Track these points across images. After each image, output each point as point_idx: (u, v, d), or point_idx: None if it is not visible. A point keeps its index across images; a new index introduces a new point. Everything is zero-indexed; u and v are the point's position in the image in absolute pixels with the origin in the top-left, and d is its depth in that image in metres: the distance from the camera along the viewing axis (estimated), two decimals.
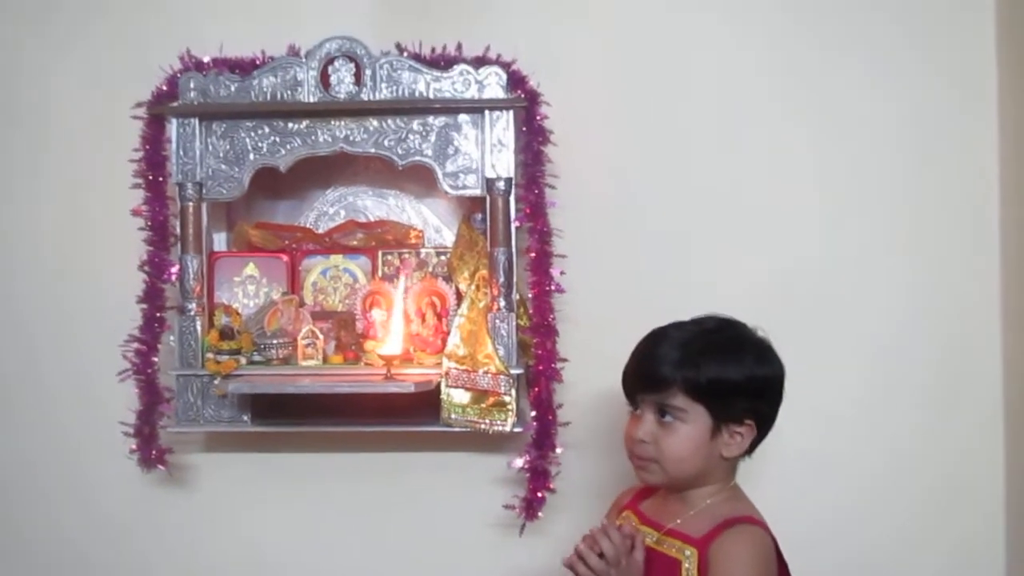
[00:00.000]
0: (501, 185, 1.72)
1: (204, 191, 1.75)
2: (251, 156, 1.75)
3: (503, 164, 1.72)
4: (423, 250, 1.86)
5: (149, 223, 1.76)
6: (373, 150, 1.74)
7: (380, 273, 1.84)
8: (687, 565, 1.30)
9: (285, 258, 1.86)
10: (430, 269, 1.85)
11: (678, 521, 1.35)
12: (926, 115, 1.82)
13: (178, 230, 1.76)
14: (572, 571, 1.30)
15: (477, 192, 1.74)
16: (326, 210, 1.93)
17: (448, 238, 1.88)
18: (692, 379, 1.31)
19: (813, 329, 1.82)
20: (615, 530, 1.30)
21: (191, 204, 1.75)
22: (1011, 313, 1.80)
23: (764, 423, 1.37)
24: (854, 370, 1.84)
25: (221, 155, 1.75)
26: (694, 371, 1.31)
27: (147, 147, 1.76)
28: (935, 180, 1.83)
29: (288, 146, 1.75)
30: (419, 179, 1.85)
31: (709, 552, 1.29)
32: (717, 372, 1.32)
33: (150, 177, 1.76)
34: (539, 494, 1.72)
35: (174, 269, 1.76)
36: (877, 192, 1.83)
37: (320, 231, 1.90)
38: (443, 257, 1.84)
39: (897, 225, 1.83)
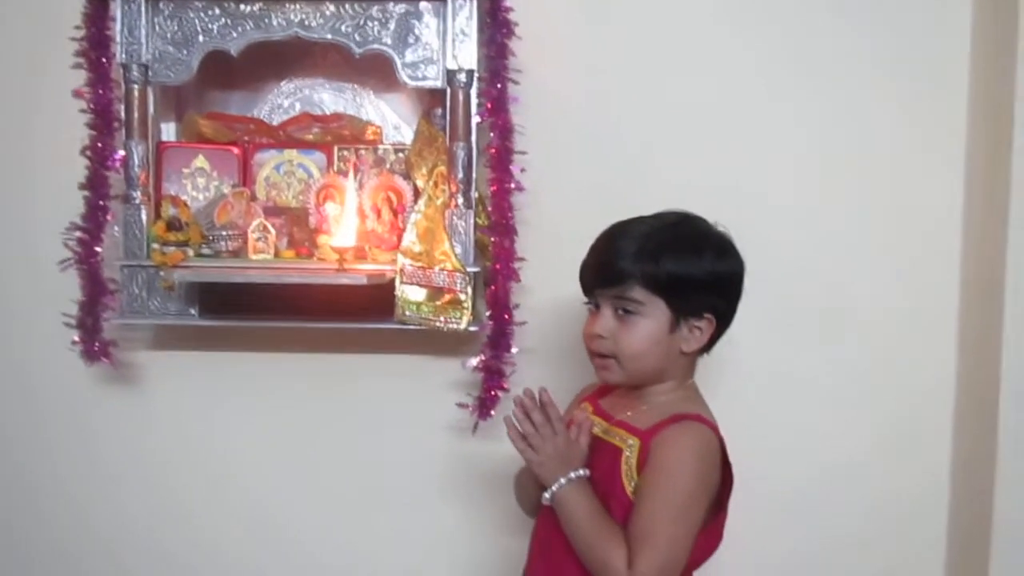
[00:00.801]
0: (462, 77, 1.66)
1: (150, 74, 1.67)
2: (200, 38, 1.67)
3: (465, 55, 1.66)
4: (381, 147, 1.81)
5: (92, 106, 1.68)
6: (329, 36, 1.67)
7: (336, 169, 1.79)
8: (627, 454, 1.29)
9: (237, 151, 1.79)
10: (387, 166, 1.79)
11: (628, 414, 1.35)
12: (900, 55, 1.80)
13: (123, 115, 1.68)
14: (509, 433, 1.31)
15: (437, 84, 1.68)
16: (280, 103, 1.86)
17: (407, 136, 1.83)
18: (651, 273, 1.29)
19: (775, 229, 1.81)
20: (553, 409, 1.30)
21: (136, 87, 1.67)
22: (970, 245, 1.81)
23: (723, 318, 1.35)
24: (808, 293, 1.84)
25: (168, 36, 1.67)
26: (653, 265, 1.29)
27: (90, 26, 1.67)
28: (907, 108, 1.80)
29: (240, 29, 1.67)
30: (378, 72, 1.78)
31: (652, 443, 1.28)
32: (676, 266, 1.30)
33: (93, 57, 1.67)
34: (493, 393, 1.70)
35: (118, 155, 1.69)
36: (848, 118, 1.80)
37: (274, 124, 1.83)
38: (401, 155, 1.79)
39: (866, 148, 1.81)
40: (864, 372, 1.84)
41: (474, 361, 1.71)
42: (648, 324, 1.31)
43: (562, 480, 1.28)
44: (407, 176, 1.76)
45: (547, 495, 1.29)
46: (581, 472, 1.29)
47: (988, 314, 1.73)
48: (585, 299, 1.38)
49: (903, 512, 1.84)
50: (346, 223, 1.65)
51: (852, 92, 1.80)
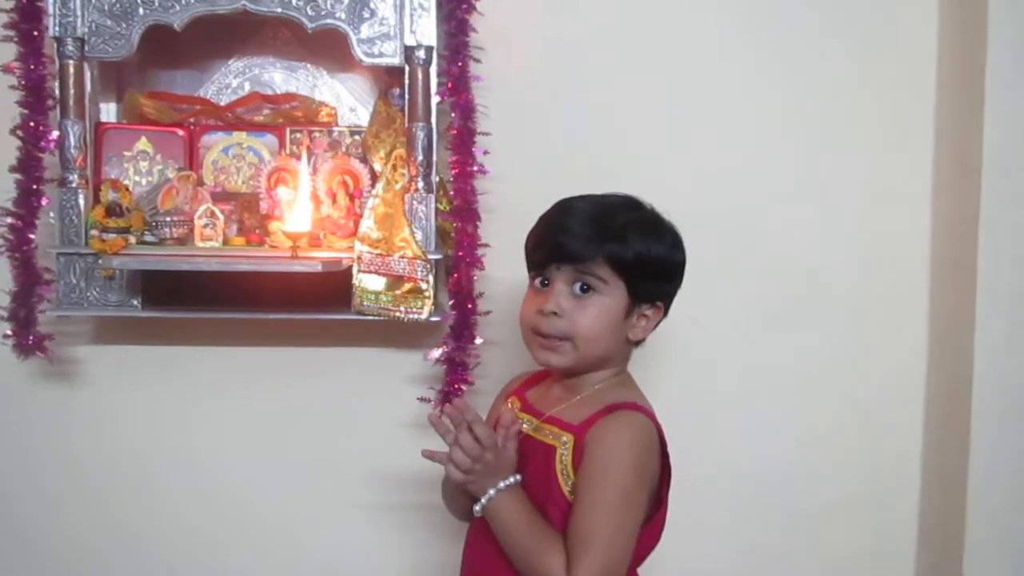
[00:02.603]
0: (421, 54, 1.58)
1: (87, 48, 1.57)
2: (141, 11, 1.56)
3: (424, 31, 1.58)
4: (336, 129, 1.72)
5: (23, 82, 1.57)
6: (279, 10, 1.58)
7: (288, 152, 1.69)
8: (562, 452, 1.22)
9: (182, 133, 1.70)
10: (343, 149, 1.71)
11: (560, 407, 1.27)
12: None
13: (57, 92, 1.58)
14: (435, 461, 1.22)
15: (395, 61, 1.60)
16: (229, 82, 1.76)
17: (363, 118, 1.75)
18: (617, 251, 1.23)
19: (744, 212, 1.77)
20: (480, 426, 1.20)
21: (71, 63, 1.56)
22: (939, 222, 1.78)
23: (667, 309, 1.31)
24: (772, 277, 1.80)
25: (106, 8, 1.56)
26: (620, 243, 1.23)
27: None
28: (875, 88, 1.77)
29: (183, 1, 1.56)
30: (333, 50, 1.69)
31: (586, 438, 1.20)
32: (643, 247, 1.24)
33: (24, 30, 1.56)
34: (456, 386, 1.62)
35: (53, 136, 1.58)
36: (818, 100, 1.77)
37: (222, 104, 1.73)
38: (357, 137, 1.71)
39: (836, 130, 1.77)
40: (833, 359, 1.81)
41: (436, 353, 1.63)
42: (608, 303, 1.24)
43: (491, 492, 1.20)
44: (364, 159, 1.67)
45: (477, 508, 1.21)
46: (511, 480, 1.21)
47: (959, 299, 1.70)
48: (532, 273, 1.29)
49: (875, 497, 1.82)
50: (299, 208, 1.56)
51: (822, 73, 1.76)
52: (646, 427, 1.23)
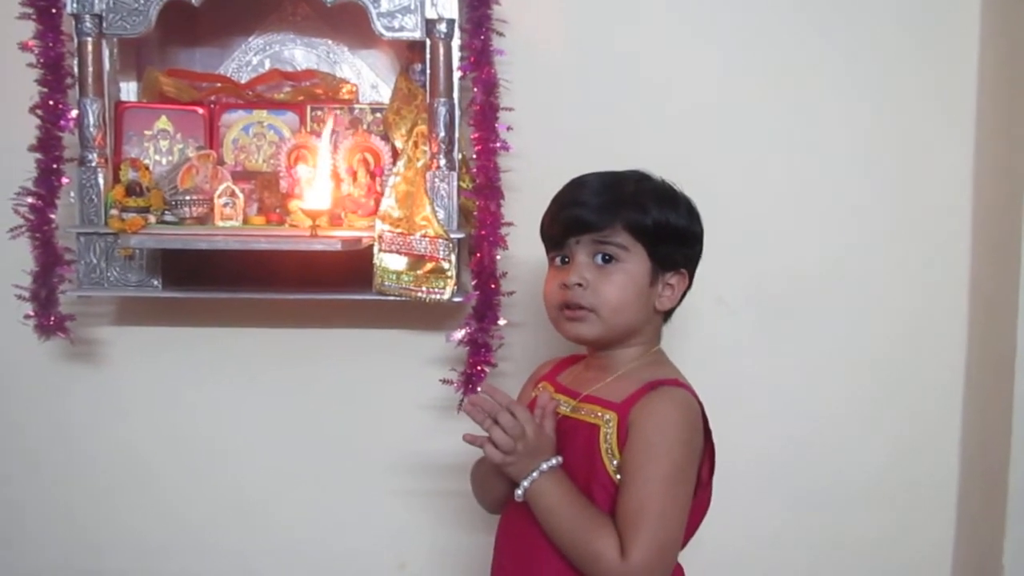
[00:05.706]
0: (443, 27, 1.54)
1: (105, 25, 1.55)
2: None
3: (445, 3, 1.54)
4: (357, 106, 1.69)
5: (41, 60, 1.55)
6: None
7: (309, 130, 1.67)
8: (606, 430, 1.18)
9: (202, 111, 1.68)
10: (365, 127, 1.68)
11: (597, 387, 1.24)
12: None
13: (76, 70, 1.56)
14: (476, 446, 1.20)
15: (416, 35, 1.56)
16: (249, 59, 1.74)
17: (385, 95, 1.71)
18: (635, 218, 1.22)
19: (771, 196, 1.72)
20: (518, 407, 1.18)
21: (90, 40, 1.55)
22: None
23: (690, 280, 1.28)
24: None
25: None
26: (637, 209, 1.22)
27: None
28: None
29: None
30: (354, 26, 1.66)
31: (630, 415, 1.17)
32: (660, 213, 1.23)
33: (41, 6, 1.54)
34: (479, 368, 1.59)
35: (72, 114, 1.57)
36: (848, 76, 1.71)
37: (242, 82, 1.71)
38: (378, 114, 1.67)
39: (874, 105, 1.71)
40: (870, 341, 1.75)
41: (458, 334, 1.60)
42: (631, 270, 1.22)
43: (534, 474, 1.17)
44: (385, 137, 1.64)
45: (519, 492, 1.18)
46: (553, 461, 1.18)
47: (1000, 281, 1.63)
48: (551, 253, 1.27)
49: (913, 483, 1.77)
50: (319, 185, 1.53)
51: (856, 52, 1.70)
52: (690, 403, 1.21)
